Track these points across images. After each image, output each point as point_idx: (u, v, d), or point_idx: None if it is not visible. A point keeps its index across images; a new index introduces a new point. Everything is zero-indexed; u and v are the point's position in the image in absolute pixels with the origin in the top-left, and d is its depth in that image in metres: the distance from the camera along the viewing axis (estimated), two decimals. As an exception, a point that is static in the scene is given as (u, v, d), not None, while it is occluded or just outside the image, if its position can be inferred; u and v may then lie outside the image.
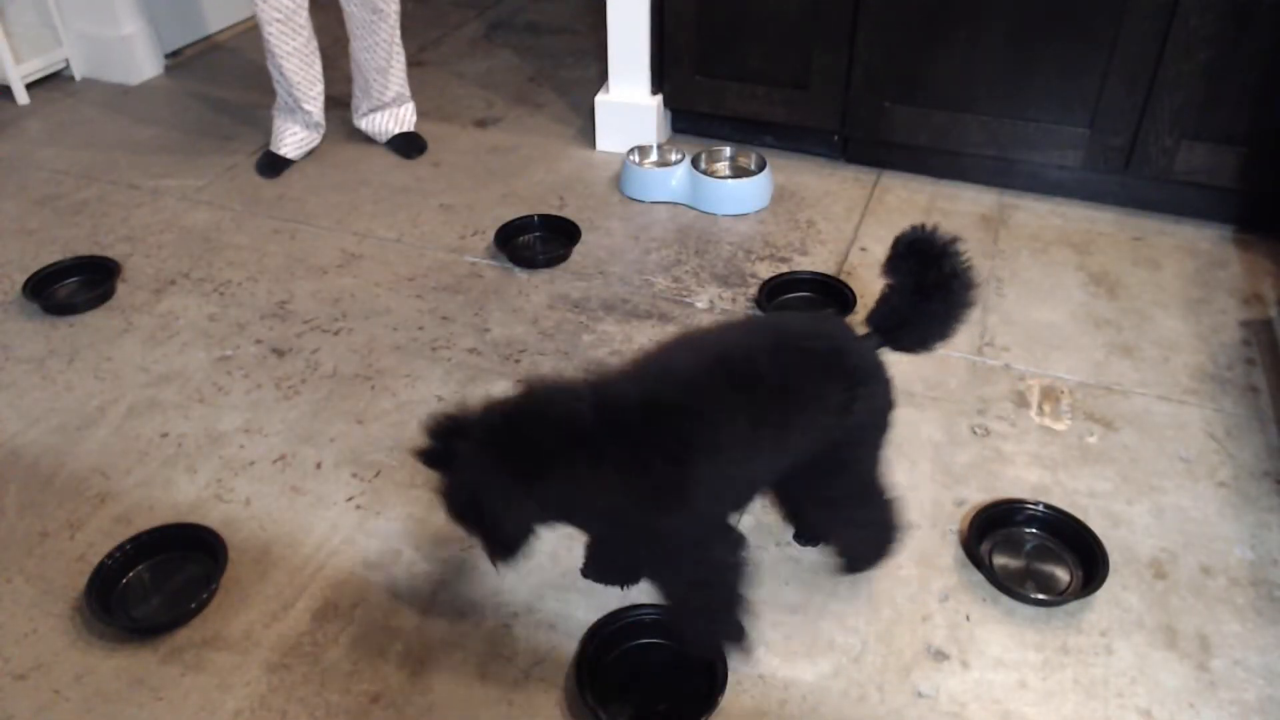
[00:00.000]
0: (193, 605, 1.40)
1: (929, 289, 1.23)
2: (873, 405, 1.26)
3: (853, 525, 1.39)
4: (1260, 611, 1.40)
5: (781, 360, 1.19)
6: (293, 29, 2.34)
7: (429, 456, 1.13)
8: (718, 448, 1.13)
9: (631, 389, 1.14)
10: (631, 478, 1.11)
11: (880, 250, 2.20)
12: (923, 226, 1.24)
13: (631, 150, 2.45)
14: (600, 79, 2.61)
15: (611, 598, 1.42)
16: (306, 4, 2.35)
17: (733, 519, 1.35)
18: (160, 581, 1.45)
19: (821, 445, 1.24)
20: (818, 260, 2.16)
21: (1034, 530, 1.52)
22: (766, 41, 2.39)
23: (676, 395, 1.13)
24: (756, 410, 1.15)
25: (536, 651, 1.36)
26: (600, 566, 1.44)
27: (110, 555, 1.45)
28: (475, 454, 1.09)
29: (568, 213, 2.32)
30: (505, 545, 1.14)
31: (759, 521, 1.54)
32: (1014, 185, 2.41)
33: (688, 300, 2.05)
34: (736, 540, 1.26)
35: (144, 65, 3.07)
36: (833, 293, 2.03)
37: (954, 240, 1.23)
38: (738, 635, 1.32)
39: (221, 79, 3.10)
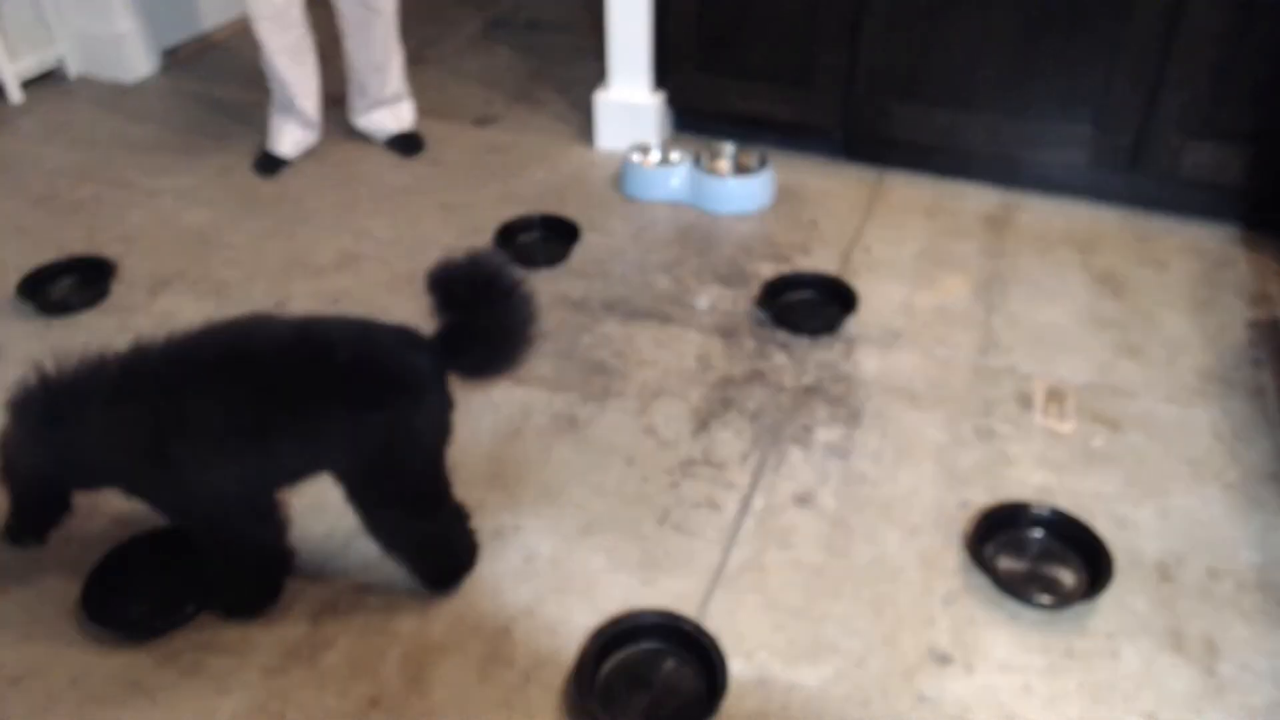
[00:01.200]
0: (190, 608, 1.38)
1: (483, 317, 1.26)
2: (409, 420, 1.25)
3: (404, 540, 1.37)
4: (1268, 615, 1.39)
5: (295, 360, 1.21)
6: (283, 26, 2.32)
7: None
8: (190, 425, 1.19)
9: (138, 359, 1.22)
10: (122, 434, 1.20)
11: (884, 250, 2.21)
12: (467, 258, 1.27)
13: (632, 149, 2.44)
14: (601, 77, 2.59)
15: (612, 602, 1.41)
16: (299, 1, 2.33)
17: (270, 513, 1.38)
18: (158, 584, 1.44)
19: (347, 452, 1.25)
20: (820, 260, 2.15)
21: (1039, 533, 1.51)
22: (769, 39, 2.38)
23: (169, 369, 1.20)
24: (246, 403, 1.19)
25: (536, 655, 1.35)
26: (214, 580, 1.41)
27: (108, 557, 1.44)
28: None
29: (568, 212, 2.31)
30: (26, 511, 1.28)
31: (759, 524, 1.53)
32: (1018, 184, 2.39)
33: (689, 300, 2.04)
34: (259, 523, 1.34)
35: (140, 63, 3.05)
36: (835, 293, 2.01)
37: (495, 268, 1.26)
38: (240, 609, 1.39)
39: (218, 77, 3.08)
